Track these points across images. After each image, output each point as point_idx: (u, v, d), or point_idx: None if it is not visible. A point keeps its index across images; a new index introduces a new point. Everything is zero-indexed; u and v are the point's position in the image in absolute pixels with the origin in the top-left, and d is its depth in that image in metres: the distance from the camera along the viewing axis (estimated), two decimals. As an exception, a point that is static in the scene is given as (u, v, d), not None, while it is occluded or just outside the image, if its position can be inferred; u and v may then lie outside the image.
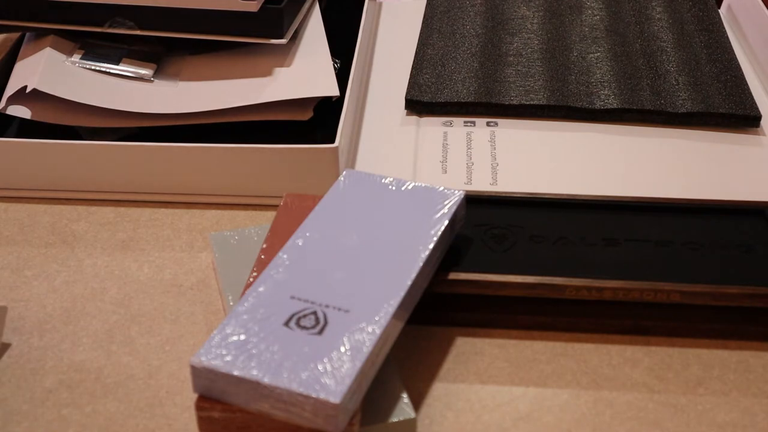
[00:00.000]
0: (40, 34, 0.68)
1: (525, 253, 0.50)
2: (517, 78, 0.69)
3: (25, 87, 0.61)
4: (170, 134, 0.61)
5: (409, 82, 0.69)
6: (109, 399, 0.46)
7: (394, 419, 0.42)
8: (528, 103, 0.66)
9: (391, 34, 0.79)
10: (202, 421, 0.40)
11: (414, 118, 0.67)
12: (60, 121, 0.62)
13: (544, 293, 0.48)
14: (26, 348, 0.49)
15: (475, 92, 0.67)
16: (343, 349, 0.40)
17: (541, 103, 0.66)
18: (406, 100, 0.67)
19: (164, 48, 0.68)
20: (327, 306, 0.42)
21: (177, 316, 0.51)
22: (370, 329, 0.41)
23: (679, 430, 0.44)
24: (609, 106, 0.65)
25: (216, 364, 0.39)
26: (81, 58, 0.66)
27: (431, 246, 0.46)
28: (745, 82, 0.68)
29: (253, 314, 0.42)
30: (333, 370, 0.39)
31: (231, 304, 0.49)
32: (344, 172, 0.51)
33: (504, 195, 0.55)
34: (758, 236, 0.51)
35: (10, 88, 0.63)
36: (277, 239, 0.49)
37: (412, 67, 0.70)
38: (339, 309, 0.42)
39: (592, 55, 0.71)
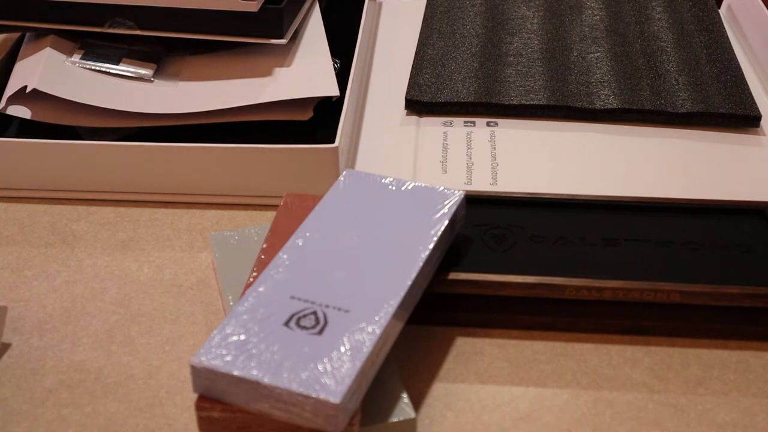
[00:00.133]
0: (40, 34, 0.68)
1: (525, 253, 0.50)
2: (517, 78, 0.69)
3: (25, 87, 0.61)
4: (170, 134, 0.61)
5: (409, 82, 0.69)
6: (109, 399, 0.46)
7: (394, 419, 0.42)
8: (528, 103, 0.66)
9: (391, 34, 0.79)
10: (202, 421, 0.40)
11: (414, 118, 0.67)
12: (60, 121, 0.62)
13: (544, 293, 0.48)
14: (26, 348, 0.49)
15: (475, 92, 0.67)
16: (343, 349, 0.40)
17: (541, 103, 0.66)
18: (406, 100, 0.67)
19: (164, 48, 0.68)
20: (327, 306, 0.42)
21: (177, 316, 0.51)
22: (370, 329, 0.41)
23: (679, 430, 0.44)
24: (609, 106, 0.65)
25: (216, 364, 0.39)
26: (81, 58, 0.66)
27: (431, 246, 0.46)
28: (745, 82, 0.68)
29: (253, 314, 0.42)
30: (333, 370, 0.39)
31: (231, 304, 0.49)
32: (344, 172, 0.51)
33: (504, 195, 0.55)
34: (758, 236, 0.51)
35: (10, 88, 0.63)
36: (277, 239, 0.49)
37: (412, 67, 0.70)
38: (339, 309, 0.42)
39: (592, 55, 0.71)
